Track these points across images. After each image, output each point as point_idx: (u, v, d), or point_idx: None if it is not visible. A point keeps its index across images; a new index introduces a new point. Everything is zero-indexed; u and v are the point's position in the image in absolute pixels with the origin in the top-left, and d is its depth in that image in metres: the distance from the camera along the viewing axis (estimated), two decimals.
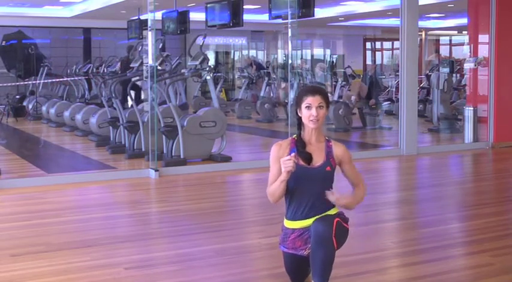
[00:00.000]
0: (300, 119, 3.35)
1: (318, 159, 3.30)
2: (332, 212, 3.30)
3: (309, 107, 3.28)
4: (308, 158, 3.29)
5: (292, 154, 3.25)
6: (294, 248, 3.32)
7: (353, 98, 11.92)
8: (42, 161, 8.81)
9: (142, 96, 9.85)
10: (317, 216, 3.25)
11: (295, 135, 3.40)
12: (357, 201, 3.37)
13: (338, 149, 3.35)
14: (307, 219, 3.28)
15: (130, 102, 9.15)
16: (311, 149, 3.32)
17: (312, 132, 3.33)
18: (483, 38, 9.54)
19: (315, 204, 3.28)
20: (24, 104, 14.78)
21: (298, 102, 3.34)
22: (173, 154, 7.90)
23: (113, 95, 9.09)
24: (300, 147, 3.32)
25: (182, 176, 7.34)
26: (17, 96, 15.17)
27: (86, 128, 10.73)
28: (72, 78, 13.92)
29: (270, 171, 3.37)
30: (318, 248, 3.12)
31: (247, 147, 10.45)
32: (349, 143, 10.14)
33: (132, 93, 9.40)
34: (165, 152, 8.08)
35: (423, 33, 20.92)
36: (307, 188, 3.28)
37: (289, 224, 3.36)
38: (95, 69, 12.37)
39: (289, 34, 8.41)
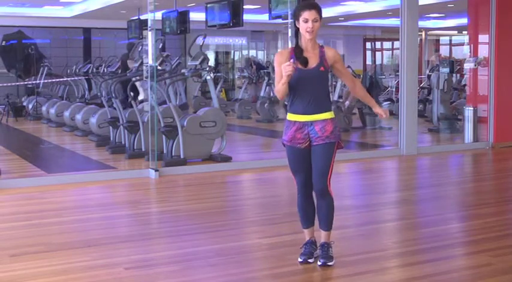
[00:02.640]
0: (297, 29, 3.93)
1: (313, 62, 3.89)
2: (328, 116, 3.89)
3: (306, 21, 3.84)
4: (305, 61, 3.88)
5: (291, 60, 3.78)
6: (293, 140, 3.92)
7: (347, 103, 11.91)
8: (42, 161, 8.82)
9: (141, 97, 9.84)
10: (315, 115, 3.86)
11: (294, 43, 3.96)
12: (362, 93, 4.13)
13: (329, 52, 3.96)
14: (307, 115, 3.88)
15: (132, 101, 9.14)
16: (307, 55, 3.89)
17: (308, 41, 3.90)
18: (483, 38, 9.54)
19: (313, 102, 3.87)
20: (24, 104, 14.80)
21: (296, 16, 3.89)
22: (173, 154, 7.90)
23: (113, 95, 9.10)
24: (297, 53, 3.90)
25: (182, 176, 7.34)
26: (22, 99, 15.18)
27: (86, 128, 10.73)
28: (72, 78, 13.92)
29: (275, 76, 3.91)
30: (321, 202, 3.96)
31: (247, 147, 10.45)
32: (349, 143, 10.15)
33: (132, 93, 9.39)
34: (165, 152, 8.08)
35: (423, 33, 20.92)
36: (306, 87, 3.87)
37: (291, 116, 3.95)
38: (95, 69, 12.36)
39: (289, 34, 8.41)
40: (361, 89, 4.18)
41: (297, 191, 4.06)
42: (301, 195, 4.05)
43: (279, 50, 3.97)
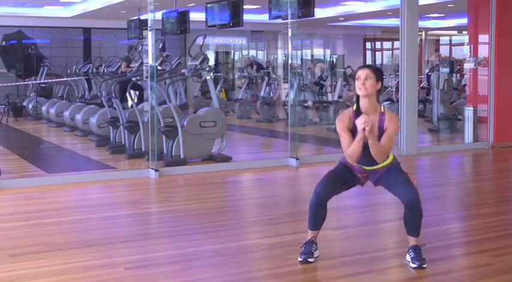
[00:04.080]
0: (357, 95, 3.92)
1: (373, 130, 3.86)
2: (388, 161, 3.98)
3: (358, 78, 3.88)
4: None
5: (364, 115, 3.82)
6: (351, 167, 4.02)
7: (347, 103, 11.91)
8: (42, 161, 8.82)
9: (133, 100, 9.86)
10: (376, 166, 3.96)
11: (354, 106, 3.96)
12: (377, 145, 3.87)
13: (387, 122, 3.91)
14: (367, 166, 3.99)
15: (130, 102, 9.14)
16: (368, 118, 3.84)
17: (365, 101, 3.90)
18: (483, 38, 9.54)
19: (370, 157, 3.90)
20: (24, 104, 14.80)
21: (354, 77, 4.00)
22: (173, 154, 7.90)
23: (113, 95, 9.10)
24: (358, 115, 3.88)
25: (182, 176, 7.34)
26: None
27: (86, 128, 10.73)
28: (72, 78, 13.92)
29: (341, 141, 3.97)
30: (411, 211, 3.97)
31: (247, 147, 10.45)
32: None
33: (133, 93, 9.40)
34: (165, 152, 8.08)
35: (423, 33, 20.93)
36: (366, 146, 3.86)
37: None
38: (94, 69, 12.36)
39: (289, 34, 8.41)
40: (379, 144, 3.96)
41: (313, 194, 4.00)
42: (317, 200, 3.99)
43: (338, 117, 4.03)
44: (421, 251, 3.99)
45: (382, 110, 3.95)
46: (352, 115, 3.94)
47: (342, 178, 4.04)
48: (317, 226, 4.07)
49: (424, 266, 3.92)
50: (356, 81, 3.90)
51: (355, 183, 4.11)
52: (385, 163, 3.98)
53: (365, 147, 3.88)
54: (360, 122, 3.80)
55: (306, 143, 9.73)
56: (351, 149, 3.89)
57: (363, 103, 3.91)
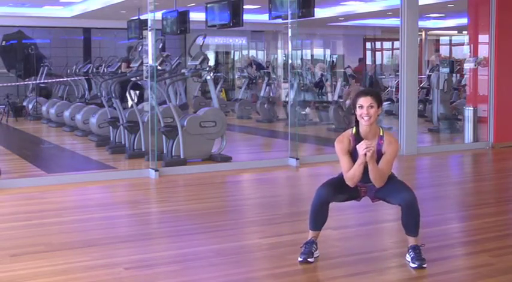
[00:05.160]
0: (356, 117, 3.92)
1: (373, 155, 3.85)
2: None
3: (361, 107, 3.85)
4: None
5: (365, 141, 3.83)
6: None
7: (347, 103, 11.91)
8: (42, 161, 8.81)
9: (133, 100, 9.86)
10: (371, 183, 3.94)
11: (353, 130, 3.96)
12: (377, 170, 3.88)
13: (385, 146, 3.92)
14: (365, 184, 3.99)
15: (130, 102, 9.14)
16: (370, 144, 3.84)
17: (366, 128, 3.90)
18: (483, 38, 9.54)
19: (369, 180, 3.93)
20: (24, 104, 14.80)
21: (353, 104, 3.93)
22: (173, 154, 7.90)
23: (113, 95, 9.09)
24: (358, 141, 3.88)
25: (182, 176, 7.34)
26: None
27: (86, 128, 10.73)
28: (72, 78, 13.92)
29: (341, 164, 3.97)
30: (408, 211, 3.94)
31: (247, 147, 10.45)
32: None
33: (133, 93, 9.39)
34: (165, 152, 8.08)
35: (423, 33, 20.92)
36: (364, 168, 3.88)
37: None
38: (94, 69, 12.36)
39: (289, 34, 8.41)
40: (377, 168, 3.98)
41: (315, 196, 4.00)
42: (319, 202, 3.99)
43: (336, 139, 4.03)
44: (421, 251, 3.99)
45: (381, 133, 3.95)
46: (352, 139, 3.94)
47: (343, 186, 4.02)
48: (318, 227, 4.08)
49: (424, 266, 3.92)
50: (357, 109, 3.88)
51: (354, 196, 4.11)
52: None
53: (364, 168, 3.90)
54: (361, 147, 3.81)
55: (306, 143, 9.73)
56: (351, 173, 3.91)
57: (364, 129, 3.92)
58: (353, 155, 3.93)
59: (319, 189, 4.00)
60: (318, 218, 4.04)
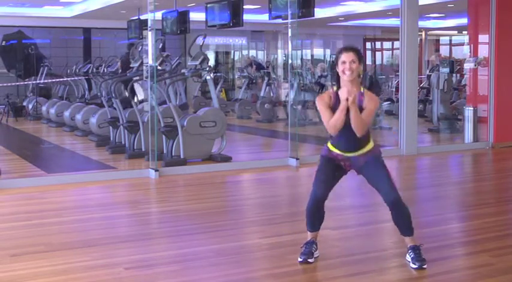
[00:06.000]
0: (338, 75, 3.94)
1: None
2: (368, 148, 3.99)
3: (343, 62, 3.87)
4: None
5: (347, 88, 3.86)
6: (333, 157, 4.05)
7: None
8: (42, 161, 8.81)
9: (140, 97, 9.84)
10: (357, 151, 3.97)
11: (335, 88, 3.99)
12: (359, 116, 3.87)
13: (366, 102, 3.92)
14: (349, 152, 3.99)
15: (139, 97, 9.14)
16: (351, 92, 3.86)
17: (348, 83, 3.89)
18: (483, 38, 9.54)
19: (353, 140, 3.93)
20: (24, 104, 14.80)
21: (336, 61, 3.95)
22: (173, 154, 7.90)
23: (113, 95, 9.09)
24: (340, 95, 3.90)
25: (182, 176, 7.34)
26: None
27: (86, 128, 10.73)
28: (72, 78, 13.92)
29: (322, 117, 3.98)
30: (396, 212, 3.94)
31: (247, 147, 10.45)
32: None
33: (136, 89, 9.41)
34: (165, 152, 8.08)
35: (423, 33, 20.91)
36: (347, 126, 3.89)
37: (332, 148, 4.07)
38: (94, 69, 12.36)
39: (289, 34, 8.41)
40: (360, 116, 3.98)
41: (311, 198, 4.02)
42: (315, 203, 4.01)
43: (318, 96, 4.11)
44: (421, 251, 3.99)
45: (362, 90, 3.96)
46: (333, 96, 3.97)
47: (330, 173, 4.04)
48: (315, 227, 4.09)
49: (424, 266, 3.92)
50: (340, 65, 3.89)
51: (342, 173, 4.12)
52: (366, 150, 3.98)
53: (346, 130, 3.89)
54: (343, 92, 3.84)
55: (306, 143, 9.73)
56: (333, 119, 3.89)
57: (346, 84, 3.91)
58: (334, 111, 3.92)
59: (315, 190, 4.01)
60: (316, 219, 4.07)
